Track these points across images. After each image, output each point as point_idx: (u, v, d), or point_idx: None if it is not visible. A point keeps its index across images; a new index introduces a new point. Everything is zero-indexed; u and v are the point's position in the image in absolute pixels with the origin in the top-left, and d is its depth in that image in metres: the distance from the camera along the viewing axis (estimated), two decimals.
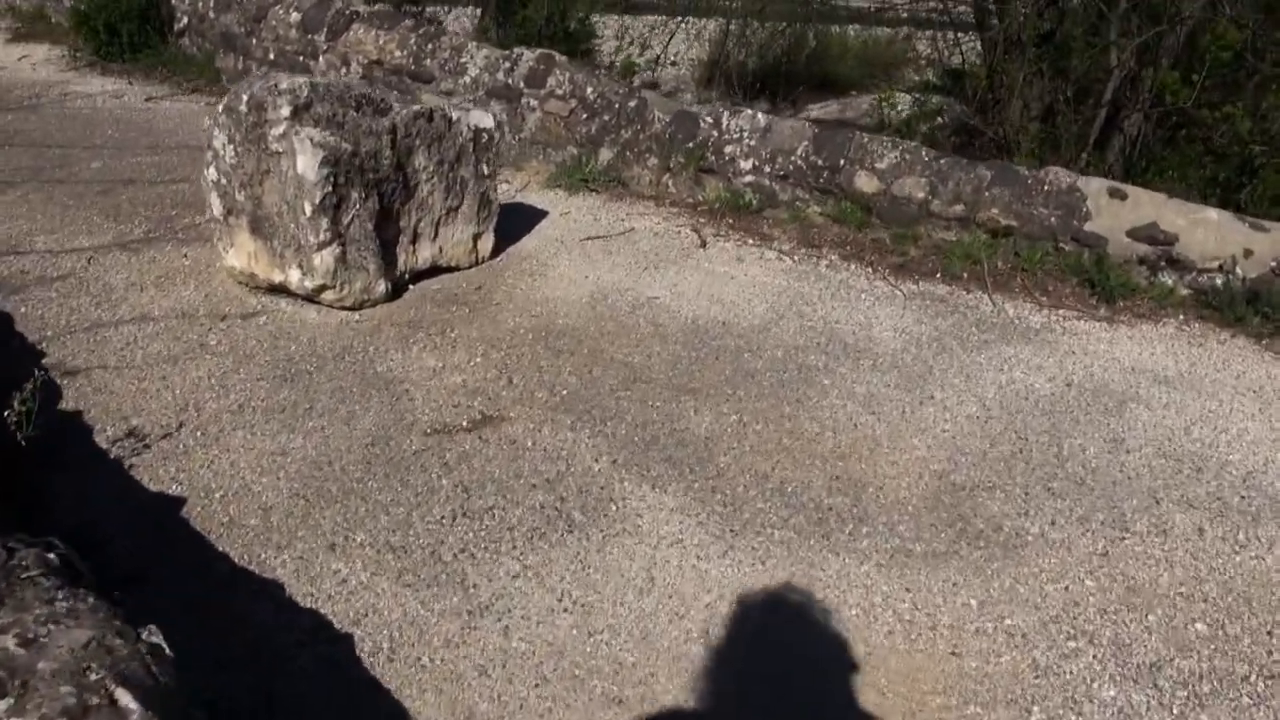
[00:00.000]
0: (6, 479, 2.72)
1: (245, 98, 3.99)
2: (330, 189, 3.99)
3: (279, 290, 4.30)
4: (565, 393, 3.77)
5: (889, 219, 5.43)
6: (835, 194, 5.58)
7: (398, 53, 6.73)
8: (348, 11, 7.02)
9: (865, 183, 5.49)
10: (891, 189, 5.43)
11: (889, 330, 4.51)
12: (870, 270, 5.16)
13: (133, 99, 7.33)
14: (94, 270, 4.47)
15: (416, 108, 4.44)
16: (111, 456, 3.15)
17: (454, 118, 4.59)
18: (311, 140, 3.92)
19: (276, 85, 3.95)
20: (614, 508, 3.11)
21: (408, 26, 6.83)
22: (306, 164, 3.92)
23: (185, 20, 8.11)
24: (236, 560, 2.76)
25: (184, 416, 3.40)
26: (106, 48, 8.03)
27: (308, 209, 3.97)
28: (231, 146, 4.11)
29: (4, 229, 4.82)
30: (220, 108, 4.11)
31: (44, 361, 3.65)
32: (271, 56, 7.39)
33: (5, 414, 2.66)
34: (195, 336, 3.96)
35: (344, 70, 6.97)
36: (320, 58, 7.09)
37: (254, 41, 7.50)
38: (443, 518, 3.00)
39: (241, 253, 4.31)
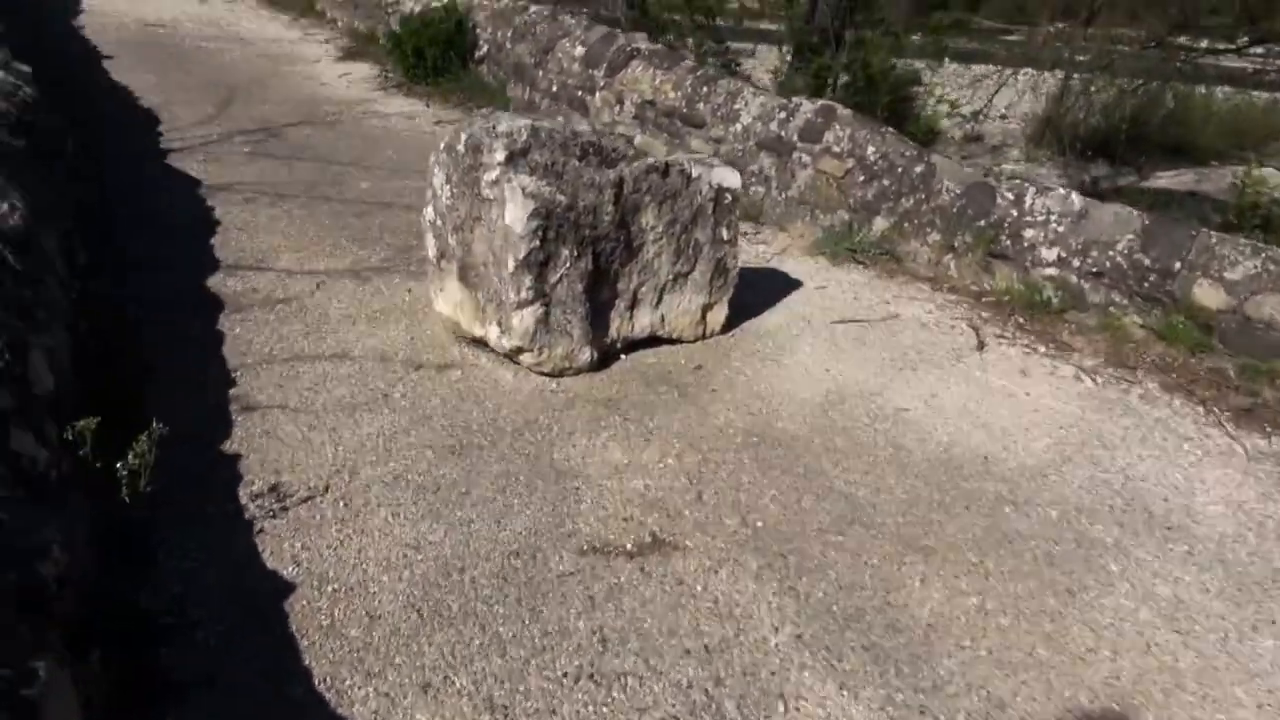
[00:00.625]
0: (109, 543, 2.49)
1: (465, 137, 3.68)
2: (538, 244, 3.58)
3: (482, 343, 3.96)
4: (760, 524, 3.07)
5: (1237, 346, 4.20)
6: (1164, 304, 4.42)
7: (672, 94, 6.35)
8: (629, 48, 6.75)
9: (1208, 295, 4.29)
10: (1244, 307, 4.19)
11: (1219, 503, 3.37)
12: (1202, 411, 3.98)
13: (423, 121, 7.53)
14: (318, 297, 4.38)
15: (650, 160, 3.94)
16: (245, 517, 2.88)
17: (693, 174, 4.04)
18: (523, 189, 3.53)
19: (495, 127, 3.60)
20: (781, 708, 2.37)
21: (686, 68, 6.42)
22: (515, 214, 3.53)
23: (485, 48, 8.28)
24: (316, 682, 2.33)
25: (334, 480, 3.09)
26: (413, 70, 8.38)
27: (511, 263, 3.58)
28: (448, 187, 3.82)
29: (261, 241, 4.90)
30: (442, 145, 3.83)
31: (231, 393, 3.52)
32: (554, 89, 7.30)
33: (118, 466, 2.41)
34: (383, 385, 3.69)
35: (617, 108, 6.70)
36: (596, 94, 6.88)
37: (540, 73, 7.45)
38: (565, 675, 2.42)
39: (449, 300, 4.01)
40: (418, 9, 9.12)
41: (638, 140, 6.70)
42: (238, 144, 6.39)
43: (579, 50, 7.05)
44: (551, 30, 7.39)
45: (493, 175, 3.59)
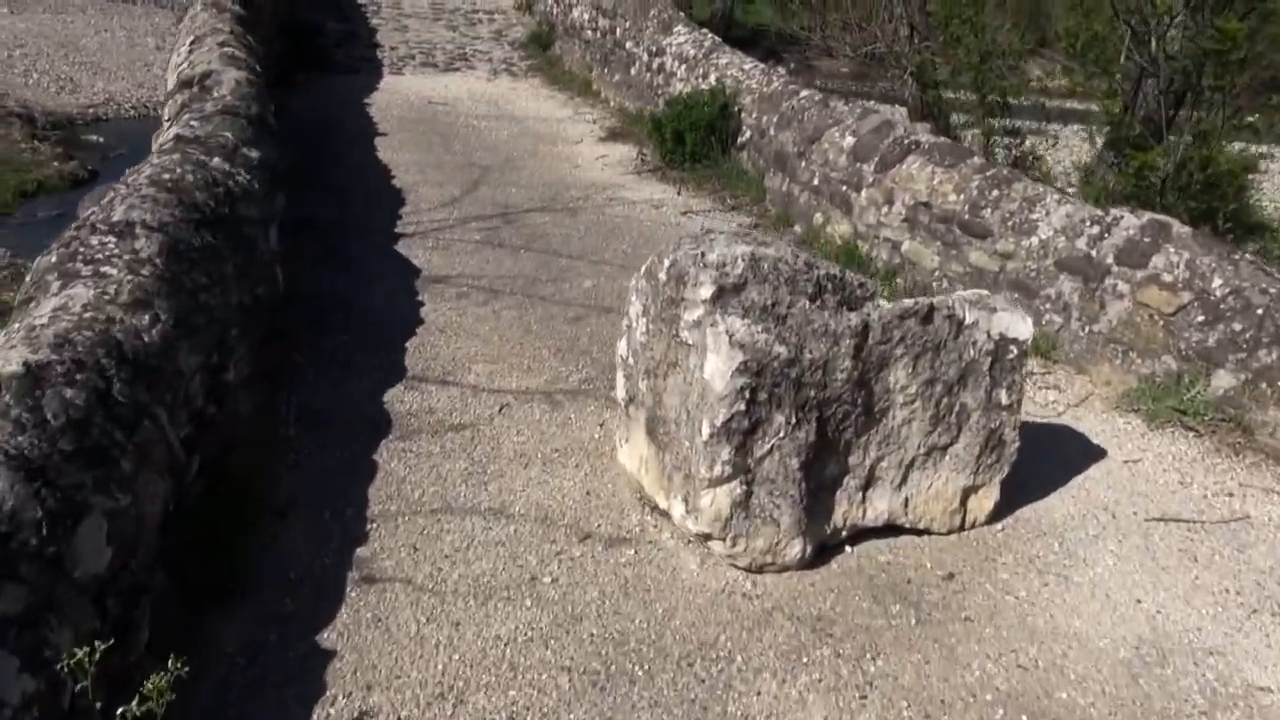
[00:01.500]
0: None
1: (668, 263, 2.93)
2: (743, 406, 2.73)
3: (666, 513, 3.16)
4: None
5: None
6: None
7: (952, 196, 5.30)
8: (906, 141, 5.79)
9: None
10: None
11: None
12: None
13: (670, 211, 6.96)
14: (497, 424, 3.79)
15: (906, 303, 2.98)
16: None
17: (966, 320, 3.03)
18: (730, 336, 2.70)
19: (704, 255, 2.82)
20: None
21: (973, 166, 5.36)
22: (717, 368, 2.71)
23: (748, 134, 7.63)
24: None
25: (432, 712, 2.37)
26: (671, 155, 7.89)
27: (706, 429, 2.76)
28: (644, 321, 3.08)
29: (457, 348, 4.44)
30: (643, 270, 3.11)
31: (357, 553, 2.94)
32: (815, 182, 6.47)
33: (121, 714, 1.82)
34: (535, 562, 2.97)
35: (885, 208, 5.74)
36: (862, 190, 5.96)
37: (802, 164, 6.66)
38: None
39: (634, 454, 3.26)
40: (686, 90, 8.68)
41: (904, 247, 5.73)
42: (471, 230, 6.10)
43: (848, 141, 6.19)
44: (820, 117, 6.61)
45: (695, 315, 2.81)
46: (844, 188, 6.16)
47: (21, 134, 10.88)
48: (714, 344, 2.72)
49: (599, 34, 11.28)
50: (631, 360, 3.19)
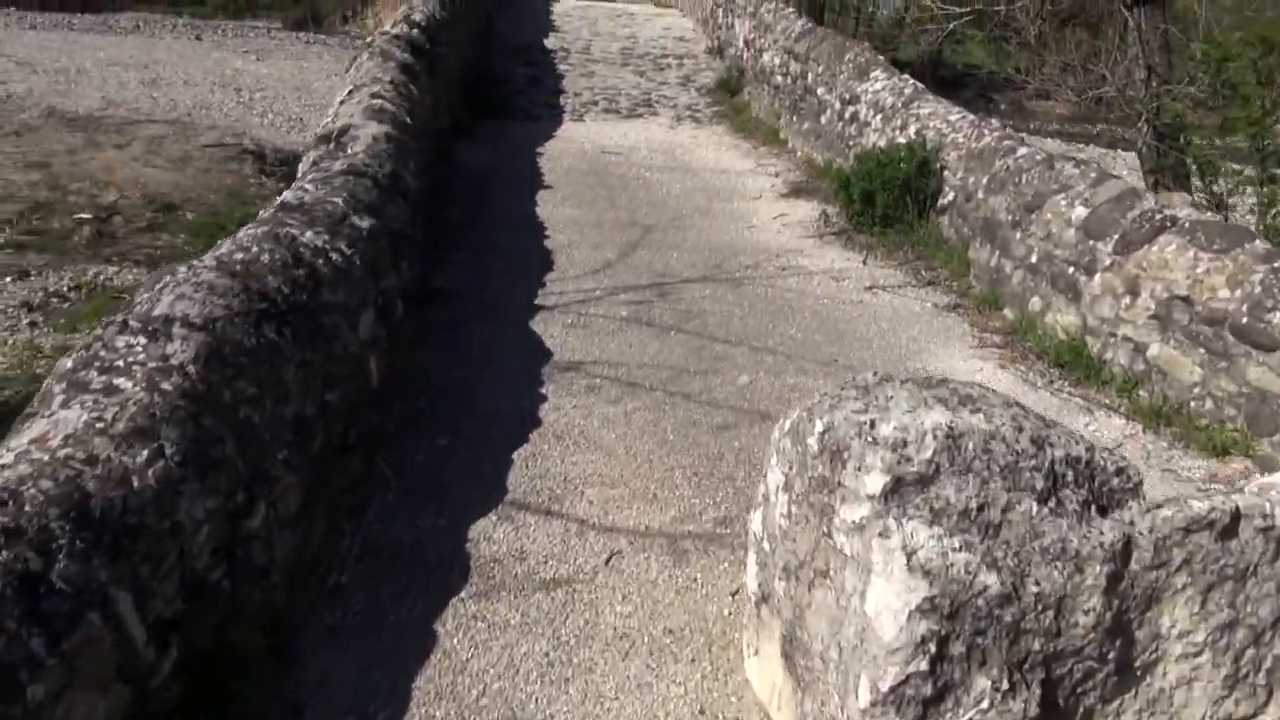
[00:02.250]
0: None
1: (820, 428, 2.00)
2: (925, 665, 1.77)
3: None
4: None
5: None
6: None
7: (1224, 291, 4.04)
8: (1157, 217, 4.56)
9: None
10: None
11: None
12: None
13: (852, 285, 5.97)
14: (599, 583, 2.95)
15: (1199, 506, 1.92)
16: None
17: None
18: (909, 557, 1.75)
19: (873, 425, 1.88)
20: None
21: (1254, 253, 4.08)
22: (886, 602, 1.77)
23: (951, 196, 6.52)
24: None
25: None
26: (858, 217, 6.89)
27: (865, 693, 1.81)
28: (785, 496, 2.16)
29: (572, 462, 3.66)
30: (786, 424, 2.20)
31: None
32: (1033, 259, 5.31)
33: None
34: None
35: (1127, 300, 4.53)
36: (1096, 275, 4.76)
37: (1018, 235, 5.51)
38: None
39: (765, 673, 2.33)
40: (881, 143, 7.67)
41: (1152, 352, 4.48)
42: (619, 303, 5.36)
43: (1078, 212, 5.01)
44: (1042, 181, 5.44)
45: (857, 514, 1.88)
46: (1071, 269, 4.97)
47: (252, 169, 11.34)
48: (884, 564, 1.78)
49: (789, 79, 10.43)
50: (767, 545, 2.28)
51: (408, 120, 5.92)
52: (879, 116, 7.92)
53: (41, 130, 25.22)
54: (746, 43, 12.21)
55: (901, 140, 7.31)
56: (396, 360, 4.08)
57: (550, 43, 14.30)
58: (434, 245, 5.80)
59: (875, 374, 2.06)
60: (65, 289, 10.85)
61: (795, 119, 10.10)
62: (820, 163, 9.06)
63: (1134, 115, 10.75)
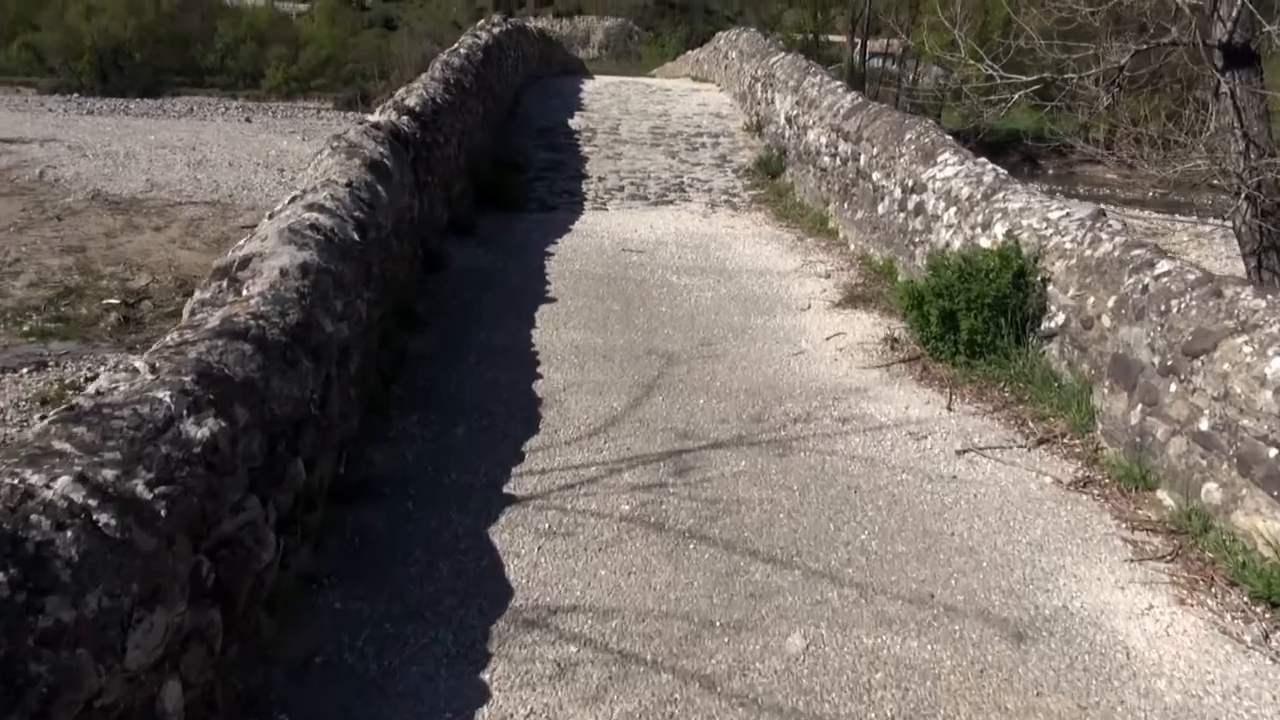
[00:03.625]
0: None
1: None
2: None
3: None
4: None
5: None
6: None
7: None
8: None
9: None
10: None
11: None
12: None
13: (939, 446, 4.39)
14: None
15: None
16: None
17: None
18: None
19: None
20: None
21: None
22: None
23: (1061, 319, 4.94)
24: None
25: None
26: (937, 342, 5.34)
27: None
28: None
29: None
30: None
31: None
32: (1202, 424, 3.70)
33: None
34: None
35: None
36: None
37: (1172, 386, 3.91)
38: None
39: None
40: (956, 243, 6.15)
41: None
42: (620, 489, 3.84)
43: (1275, 368, 3.43)
44: (1206, 313, 3.86)
45: None
46: (1275, 452, 3.35)
47: None
48: None
49: (838, 161, 8.98)
50: None
51: (355, 238, 4.54)
52: (952, 210, 6.40)
53: (83, 214, 24.53)
54: (788, 119, 10.84)
55: (984, 241, 5.78)
56: (266, 632, 2.59)
57: (576, 122, 13.08)
58: (379, 403, 4.37)
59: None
60: (83, 379, 9.58)
61: (846, 206, 8.63)
62: (879, 261, 7.54)
63: (1231, 190, 9.15)
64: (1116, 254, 4.73)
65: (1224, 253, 15.71)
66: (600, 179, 10.76)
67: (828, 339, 5.89)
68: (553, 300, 6.43)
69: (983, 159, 6.90)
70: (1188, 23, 9.70)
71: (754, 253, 8.16)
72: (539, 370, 5.13)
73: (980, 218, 6.02)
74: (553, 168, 11.03)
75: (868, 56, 48.92)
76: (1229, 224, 11.77)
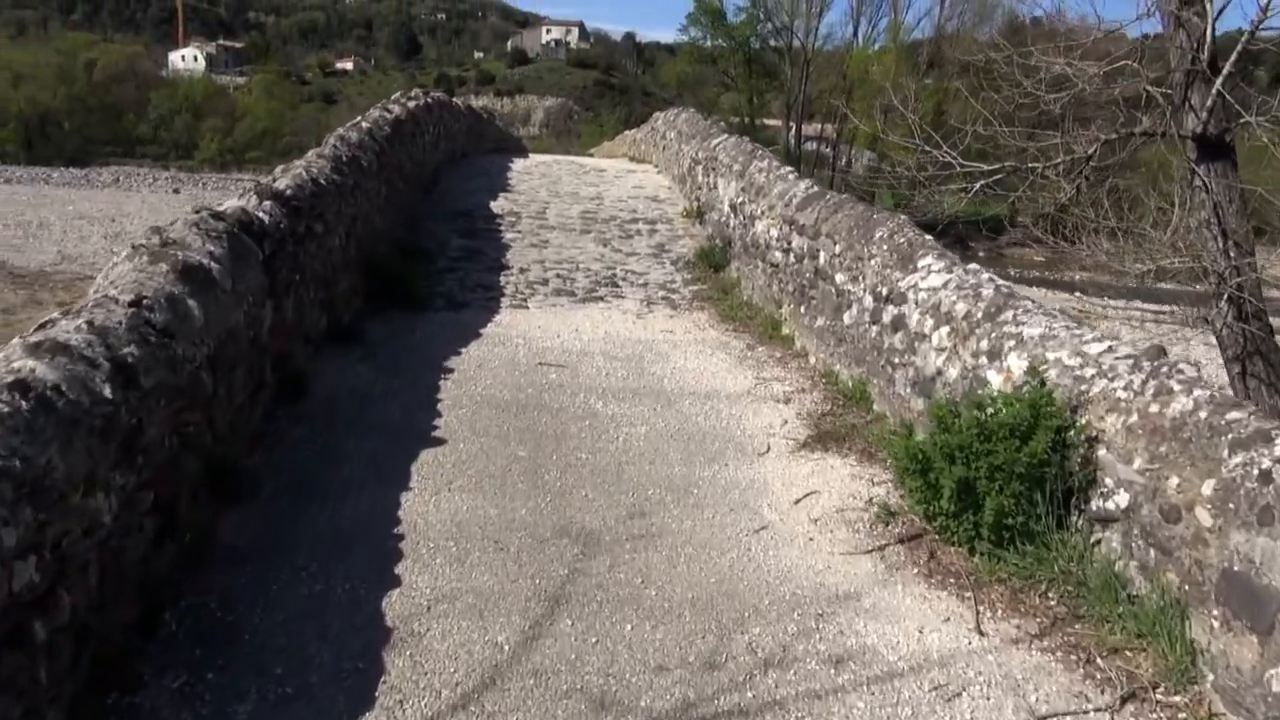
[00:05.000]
0: None
1: None
2: None
3: None
4: None
5: None
6: None
7: None
8: None
9: None
10: None
11: None
12: None
13: (982, 705, 2.87)
14: None
15: None
16: None
17: None
18: None
19: None
20: None
21: None
22: None
23: (1123, 498, 3.51)
24: None
25: None
26: (951, 521, 3.87)
27: None
28: None
29: None
30: None
31: None
32: None
33: None
34: None
35: None
36: None
37: None
38: None
39: None
40: (951, 372, 4.76)
41: None
42: None
43: None
44: None
45: None
46: None
47: None
48: None
49: (792, 257, 7.63)
50: None
51: (105, 394, 2.92)
52: (944, 330, 5.02)
53: None
54: (733, 207, 9.53)
55: (993, 376, 4.40)
56: None
57: (500, 204, 11.63)
58: (131, 651, 2.70)
59: None
60: None
61: (804, 311, 7.24)
62: (848, 381, 6.13)
63: (1211, 290, 8.06)
64: (1204, 416, 3.33)
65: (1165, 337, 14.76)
66: (522, 270, 9.27)
67: (797, 502, 4.39)
68: (440, 442, 4.82)
69: (974, 265, 5.56)
70: (1161, 112, 8.72)
71: (697, 367, 6.69)
72: (398, 570, 3.50)
73: (984, 344, 4.64)
74: (468, 256, 9.51)
75: (802, 140, 49.09)
76: (1180, 310, 10.78)
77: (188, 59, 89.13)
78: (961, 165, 9.85)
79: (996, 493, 3.66)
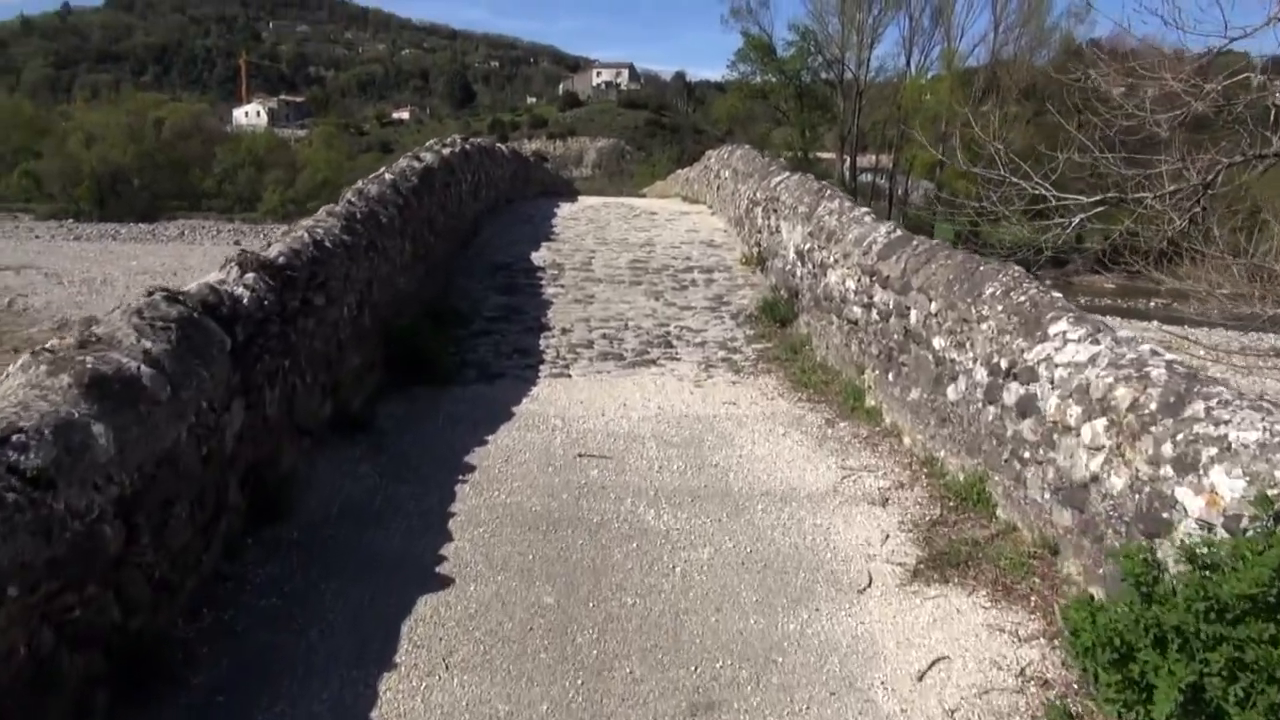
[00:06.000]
0: None
1: None
2: None
3: None
4: None
5: None
6: None
7: None
8: None
9: None
10: None
11: None
12: None
13: None
14: None
15: None
16: None
17: None
18: None
19: None
20: None
21: None
22: None
23: None
24: None
25: None
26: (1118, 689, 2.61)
27: None
28: None
29: None
30: None
31: None
32: None
33: None
34: None
35: None
36: None
37: None
38: None
39: None
40: (1117, 482, 3.50)
41: None
42: None
43: None
44: None
45: None
46: None
47: None
48: None
49: (874, 314, 6.41)
50: None
51: None
52: (1099, 423, 3.76)
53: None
54: (800, 254, 8.34)
55: (1190, 497, 3.15)
56: None
57: (542, 256, 10.61)
58: None
59: None
60: None
61: (893, 379, 6.00)
62: (959, 476, 4.87)
63: None
64: None
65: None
66: (564, 330, 8.20)
67: (920, 678, 3.15)
68: (445, 583, 3.69)
69: (1125, 332, 4.29)
70: None
71: (769, 453, 5.48)
72: None
73: (1167, 449, 3.37)
74: (506, 316, 8.48)
75: (858, 172, 47.67)
76: None
77: (250, 114, 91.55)
78: (1058, 197, 8.54)
79: (1249, 707, 2.39)
